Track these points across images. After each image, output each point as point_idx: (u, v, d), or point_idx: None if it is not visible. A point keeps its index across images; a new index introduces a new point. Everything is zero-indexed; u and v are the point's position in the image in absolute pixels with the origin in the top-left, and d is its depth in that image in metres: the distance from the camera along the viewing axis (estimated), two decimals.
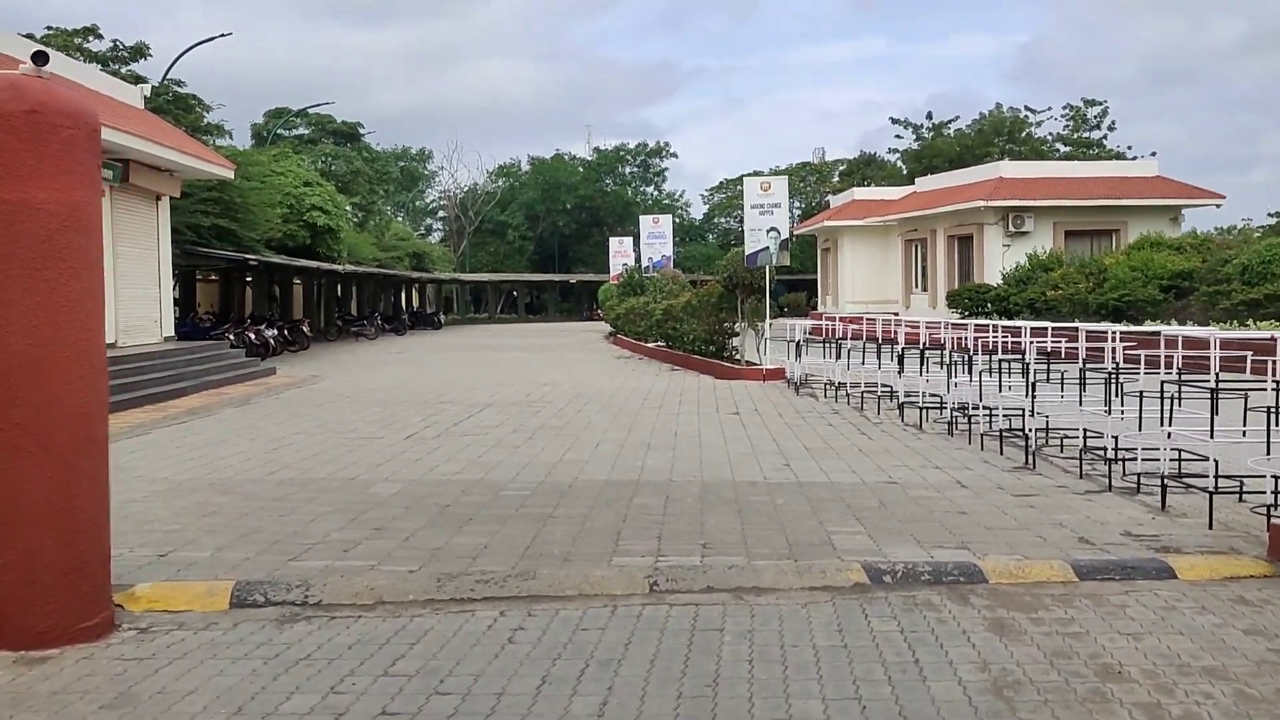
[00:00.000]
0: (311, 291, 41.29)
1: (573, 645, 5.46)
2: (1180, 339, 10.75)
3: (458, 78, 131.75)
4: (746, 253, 21.56)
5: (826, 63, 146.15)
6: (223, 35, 35.55)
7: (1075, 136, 61.25)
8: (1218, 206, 37.54)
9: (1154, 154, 37.07)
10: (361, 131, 49.25)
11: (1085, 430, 11.48)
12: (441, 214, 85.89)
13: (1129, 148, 62.09)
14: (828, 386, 17.98)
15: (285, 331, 30.45)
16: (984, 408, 12.32)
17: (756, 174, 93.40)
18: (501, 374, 23.56)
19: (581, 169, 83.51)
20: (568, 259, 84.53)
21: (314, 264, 32.57)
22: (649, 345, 30.09)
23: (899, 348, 16.02)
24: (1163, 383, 8.87)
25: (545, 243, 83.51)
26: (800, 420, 14.50)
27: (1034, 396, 10.54)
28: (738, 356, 22.99)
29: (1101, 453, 10.52)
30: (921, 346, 14.52)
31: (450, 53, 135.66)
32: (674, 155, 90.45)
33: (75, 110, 5.67)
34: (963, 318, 33.21)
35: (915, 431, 13.31)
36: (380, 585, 6.34)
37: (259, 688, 4.95)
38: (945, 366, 13.36)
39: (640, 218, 35.17)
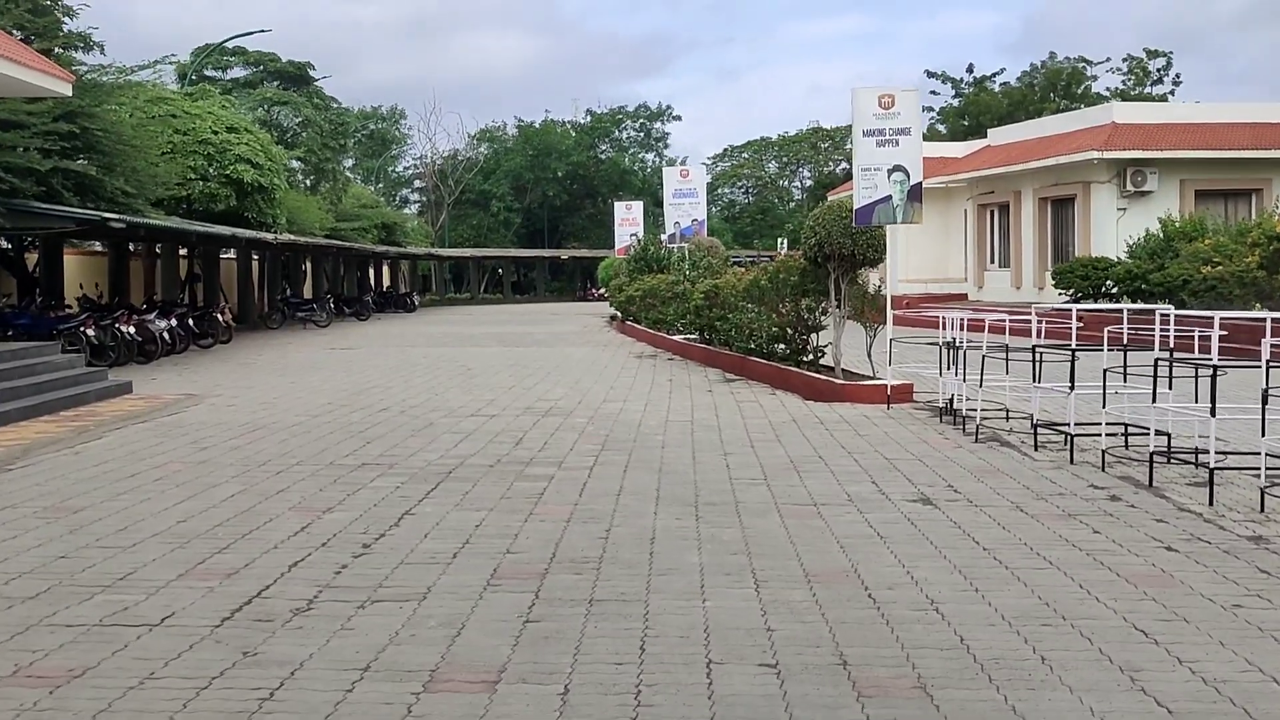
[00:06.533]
0: (248, 269, 33.40)
1: None
2: None
3: (447, 51, 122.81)
4: (855, 205, 13.94)
5: (819, 37, 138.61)
6: None
7: (1137, 92, 53.57)
8: None
9: None
10: (314, 75, 41.07)
11: None
12: (418, 183, 77.73)
13: (1196, 103, 54.48)
14: (1037, 431, 10.36)
15: (191, 321, 22.69)
16: None
17: (764, 141, 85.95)
18: (478, 387, 15.95)
19: (574, 133, 75.40)
20: (559, 233, 76.70)
21: (226, 230, 24.63)
22: (675, 338, 22.53)
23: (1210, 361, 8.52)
24: None
25: (534, 215, 75.61)
26: (1082, 532, 6.92)
27: None
28: (828, 363, 15.38)
29: None
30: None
31: (440, 24, 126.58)
32: (677, 118, 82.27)
33: None
34: (1075, 301, 25.71)
35: None
36: None
37: None
38: None
39: (664, 170, 27.52)
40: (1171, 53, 56.52)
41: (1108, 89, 54.94)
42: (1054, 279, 27.12)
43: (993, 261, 33.78)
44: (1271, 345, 8.24)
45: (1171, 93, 54.46)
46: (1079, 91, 53.31)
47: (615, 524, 7.22)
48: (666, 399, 14.39)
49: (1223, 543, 6.66)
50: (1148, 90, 54.46)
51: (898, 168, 13.75)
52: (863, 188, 13.81)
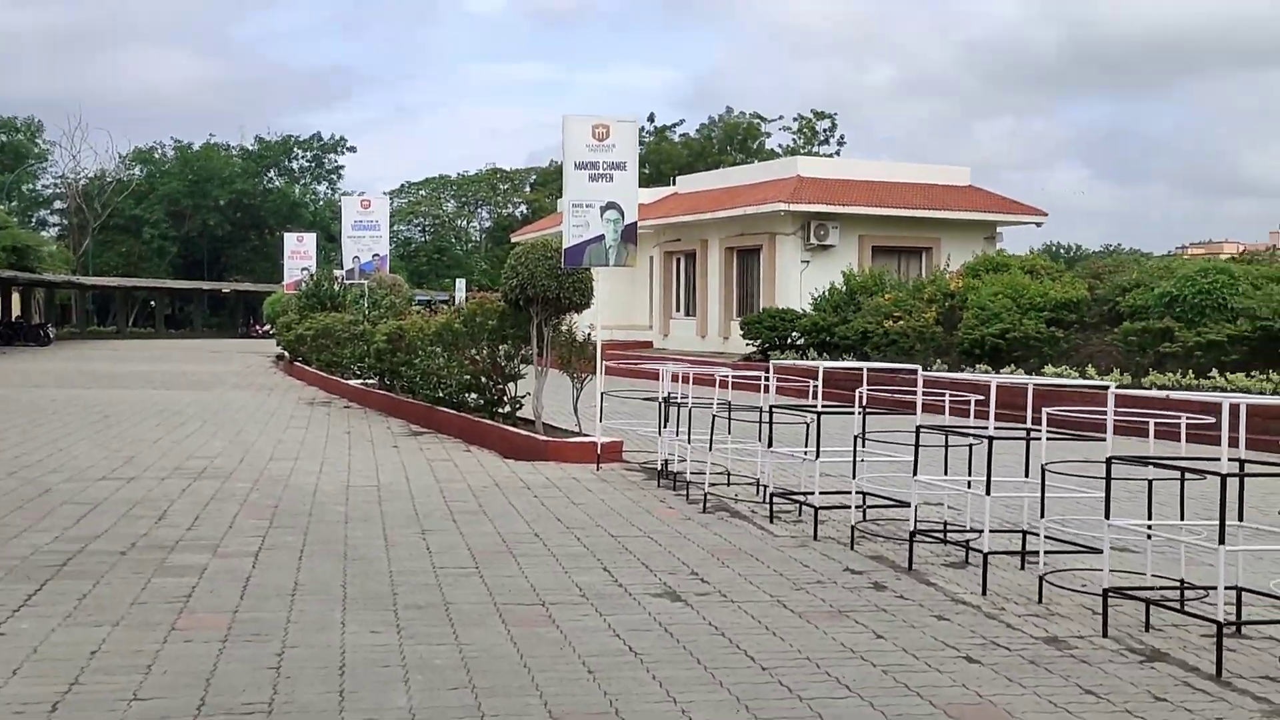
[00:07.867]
0: None
1: None
2: None
3: (100, 66, 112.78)
4: (565, 245, 12.66)
5: (498, 81, 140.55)
6: None
7: (807, 150, 56.01)
8: (1038, 225, 32.13)
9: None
10: None
11: None
12: (59, 204, 70.61)
13: (880, 160, 57.67)
14: (772, 501, 9.33)
15: None
16: None
17: (443, 179, 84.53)
18: (116, 440, 13.46)
19: (240, 160, 70.86)
20: (220, 265, 71.74)
21: None
22: (352, 383, 20.57)
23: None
24: None
25: (192, 244, 70.32)
26: (865, 637, 5.86)
27: None
28: (528, 415, 13.98)
29: None
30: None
31: (94, 38, 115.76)
32: (352, 149, 79.22)
33: None
34: (763, 353, 25.70)
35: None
36: None
37: None
38: None
39: (343, 200, 25.39)
40: (836, 114, 59.55)
41: (781, 145, 57.26)
42: (742, 329, 27.06)
43: (679, 310, 33.67)
44: (1026, 414, 7.57)
45: (837, 152, 57.47)
46: (755, 146, 55.17)
47: (290, 642, 5.47)
48: (346, 456, 12.54)
49: (1022, 648, 5.73)
50: (816, 149, 57.12)
51: (611, 205, 12.60)
52: (573, 225, 12.56)
